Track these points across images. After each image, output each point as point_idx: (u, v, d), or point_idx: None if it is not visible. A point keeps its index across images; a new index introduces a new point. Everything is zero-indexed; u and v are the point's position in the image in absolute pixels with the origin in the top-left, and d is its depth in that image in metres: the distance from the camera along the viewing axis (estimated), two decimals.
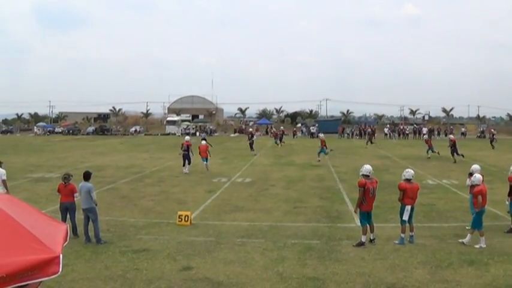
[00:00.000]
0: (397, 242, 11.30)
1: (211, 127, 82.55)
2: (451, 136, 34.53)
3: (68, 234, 5.14)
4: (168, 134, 76.88)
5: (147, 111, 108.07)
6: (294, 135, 69.53)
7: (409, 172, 11.48)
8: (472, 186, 11.66)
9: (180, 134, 75.78)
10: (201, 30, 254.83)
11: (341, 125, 76.22)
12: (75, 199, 11.92)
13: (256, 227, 12.98)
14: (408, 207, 11.19)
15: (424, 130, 65.26)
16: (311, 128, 72.79)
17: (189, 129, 77.56)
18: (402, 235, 11.28)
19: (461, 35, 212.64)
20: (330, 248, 10.94)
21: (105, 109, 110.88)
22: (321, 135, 33.28)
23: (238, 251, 10.75)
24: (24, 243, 4.12)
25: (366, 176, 11.17)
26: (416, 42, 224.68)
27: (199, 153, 25.80)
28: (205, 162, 25.60)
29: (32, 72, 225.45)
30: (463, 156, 30.63)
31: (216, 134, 75.33)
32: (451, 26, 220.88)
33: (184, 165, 24.92)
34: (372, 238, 11.29)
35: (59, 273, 3.97)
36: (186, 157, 25.01)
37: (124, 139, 62.58)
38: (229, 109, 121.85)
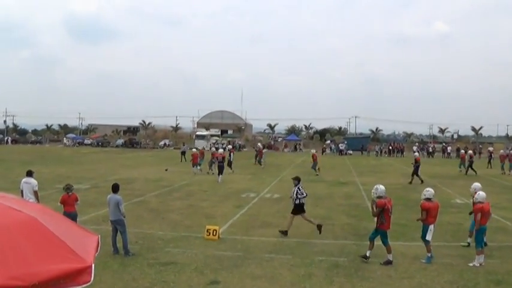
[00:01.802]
0: (424, 260, 11.17)
1: (240, 142, 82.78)
2: (470, 152, 37.70)
3: (99, 244, 5.20)
4: (197, 148, 77.69)
5: (177, 125, 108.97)
6: (323, 151, 69.33)
7: (429, 191, 11.50)
8: (475, 204, 11.63)
9: (209, 149, 76.26)
10: (232, 45, 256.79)
11: (370, 143, 75.68)
12: (76, 207, 12.25)
13: (284, 243, 12.91)
14: (432, 227, 11.13)
15: (449, 149, 64.40)
16: (340, 145, 72.58)
17: (218, 143, 78.02)
18: (428, 254, 11.21)
19: (491, 52, 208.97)
20: (357, 266, 10.80)
21: (134, 122, 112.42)
22: (313, 150, 33.70)
23: (266, 266, 10.69)
24: (58, 252, 4.18)
25: (380, 197, 11.16)
26: (446, 60, 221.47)
27: (191, 160, 30.52)
28: (197, 167, 30.67)
29: (62, 84, 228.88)
30: (475, 172, 32.90)
31: (244, 150, 75.49)
32: (481, 43, 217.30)
33: (219, 174, 27.54)
34: (389, 259, 11.06)
35: (91, 282, 4.01)
36: (221, 168, 27.77)
37: (153, 152, 63.26)
38: (258, 125, 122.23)
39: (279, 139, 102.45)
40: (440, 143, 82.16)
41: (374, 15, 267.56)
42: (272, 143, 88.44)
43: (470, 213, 12.35)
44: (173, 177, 29.98)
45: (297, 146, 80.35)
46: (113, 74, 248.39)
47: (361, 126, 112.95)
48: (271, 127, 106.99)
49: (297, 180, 14.15)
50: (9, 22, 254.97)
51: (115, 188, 11.89)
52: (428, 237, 11.10)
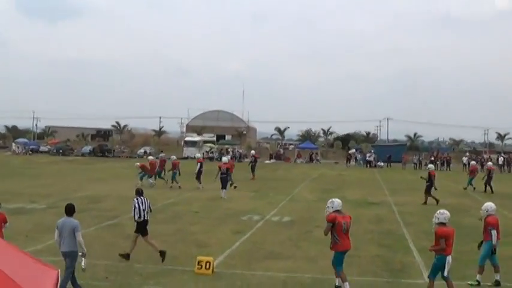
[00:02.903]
0: None
1: (240, 150, 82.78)
2: (490, 164, 38.66)
3: (59, 280, 5.17)
4: (187, 157, 77.50)
5: (160, 128, 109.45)
6: (347, 161, 69.35)
7: (444, 214, 11.64)
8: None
9: (202, 158, 76.26)
10: (229, 27, 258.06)
11: (406, 152, 75.61)
12: (3, 229, 12.21)
13: (296, 279, 12.90)
14: (449, 258, 11.30)
15: (500, 160, 64.24)
16: (367, 155, 72.61)
17: (212, 152, 78.10)
18: None
19: None
20: None
21: (106, 124, 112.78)
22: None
23: None
24: None
25: (337, 211, 12.13)
26: (507, 46, 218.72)
27: (148, 170, 33.14)
28: (150, 180, 33.26)
29: (11, 75, 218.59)
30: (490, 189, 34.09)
31: (246, 160, 75.31)
32: None
33: (223, 188, 28.73)
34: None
35: None
36: (224, 181, 28.96)
37: (130, 163, 63.30)
38: (264, 128, 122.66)
39: (290, 147, 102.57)
40: (499, 152, 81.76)
41: None
42: (281, 151, 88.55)
43: (480, 246, 13.04)
44: (155, 194, 29.92)
45: (313, 156, 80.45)
46: (77, 62, 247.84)
47: (395, 131, 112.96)
48: (281, 131, 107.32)
49: (137, 193, 15.05)
50: None
51: (70, 210, 11.51)
52: (446, 272, 11.28)
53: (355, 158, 74.46)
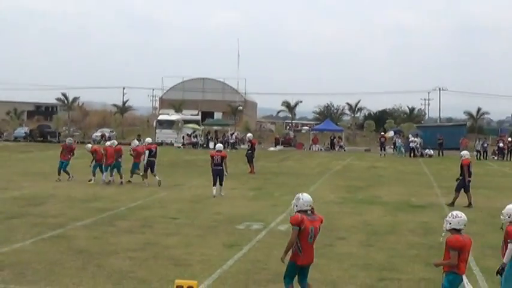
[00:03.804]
0: None
1: (235, 134, 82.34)
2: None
3: None
4: (161, 143, 77.47)
5: (124, 103, 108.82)
6: (381, 148, 68.97)
7: (458, 218, 11.52)
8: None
9: (181, 145, 76.22)
10: None
11: (465, 135, 75.46)
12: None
13: None
14: (465, 279, 11.30)
15: None
16: (411, 138, 72.24)
17: (196, 136, 77.98)
18: None
19: None
20: None
21: (48, 98, 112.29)
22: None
23: None
24: None
25: (304, 212, 12.14)
26: None
27: (106, 160, 33.68)
28: (105, 172, 33.85)
29: None
30: None
31: (242, 146, 75.25)
32: None
33: (214, 184, 29.41)
34: None
35: None
36: (219, 174, 29.48)
37: (82, 150, 63.21)
38: (267, 103, 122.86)
39: (304, 128, 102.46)
40: None
41: None
42: (291, 135, 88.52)
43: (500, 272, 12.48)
44: (117, 193, 29.89)
45: (335, 141, 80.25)
46: (11, 12, 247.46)
47: (449, 106, 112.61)
48: (290, 107, 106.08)
49: None
50: None
51: None
52: None
53: (394, 144, 74.37)
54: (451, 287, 11.23)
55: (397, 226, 22.97)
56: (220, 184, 29.82)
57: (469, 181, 28.87)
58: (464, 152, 32.29)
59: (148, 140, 36.92)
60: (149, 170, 33.57)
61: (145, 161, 33.37)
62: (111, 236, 19.94)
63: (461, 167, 29.11)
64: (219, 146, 33.14)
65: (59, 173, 34.62)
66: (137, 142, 39.54)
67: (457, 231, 11.41)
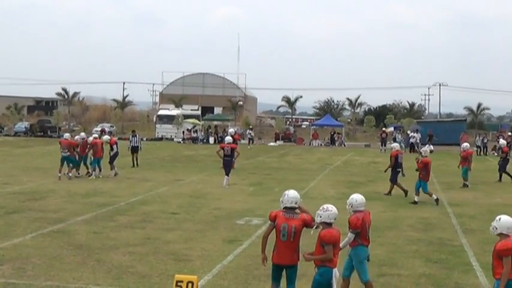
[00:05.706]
0: None
1: (235, 129, 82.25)
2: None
3: None
4: (161, 138, 77.38)
5: (124, 98, 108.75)
6: (382, 143, 68.48)
7: (330, 211, 11.90)
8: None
9: (181, 140, 76.15)
10: None
11: (465, 131, 75.29)
12: None
13: None
14: (335, 271, 11.45)
15: None
16: (410, 134, 71.97)
17: (196, 130, 77.95)
18: None
19: None
20: None
21: (48, 92, 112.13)
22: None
23: None
24: None
25: (289, 208, 12.16)
26: None
27: (93, 154, 34.27)
28: (95, 166, 34.16)
29: None
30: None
31: (243, 142, 75.17)
32: None
33: (228, 174, 31.27)
34: None
35: None
36: (228, 165, 31.46)
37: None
38: (267, 98, 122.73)
39: (304, 124, 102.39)
40: None
41: None
42: (291, 130, 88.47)
43: None
44: (118, 188, 29.86)
45: (335, 136, 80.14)
46: (12, 7, 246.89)
47: (449, 102, 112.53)
48: (290, 102, 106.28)
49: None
50: None
51: None
52: None
53: (394, 140, 74.13)
54: (322, 280, 11.35)
55: (398, 221, 22.94)
56: (227, 174, 31.27)
57: (398, 172, 30.23)
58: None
59: (228, 138, 35.93)
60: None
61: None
62: (111, 231, 19.92)
63: (390, 158, 30.76)
64: (228, 138, 34.68)
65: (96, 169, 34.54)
66: (84, 134, 38.85)
67: (328, 224, 11.76)
